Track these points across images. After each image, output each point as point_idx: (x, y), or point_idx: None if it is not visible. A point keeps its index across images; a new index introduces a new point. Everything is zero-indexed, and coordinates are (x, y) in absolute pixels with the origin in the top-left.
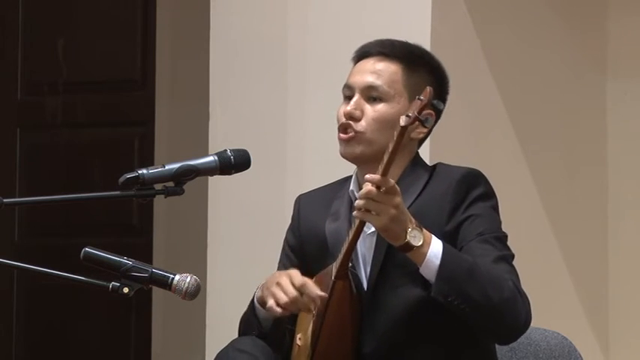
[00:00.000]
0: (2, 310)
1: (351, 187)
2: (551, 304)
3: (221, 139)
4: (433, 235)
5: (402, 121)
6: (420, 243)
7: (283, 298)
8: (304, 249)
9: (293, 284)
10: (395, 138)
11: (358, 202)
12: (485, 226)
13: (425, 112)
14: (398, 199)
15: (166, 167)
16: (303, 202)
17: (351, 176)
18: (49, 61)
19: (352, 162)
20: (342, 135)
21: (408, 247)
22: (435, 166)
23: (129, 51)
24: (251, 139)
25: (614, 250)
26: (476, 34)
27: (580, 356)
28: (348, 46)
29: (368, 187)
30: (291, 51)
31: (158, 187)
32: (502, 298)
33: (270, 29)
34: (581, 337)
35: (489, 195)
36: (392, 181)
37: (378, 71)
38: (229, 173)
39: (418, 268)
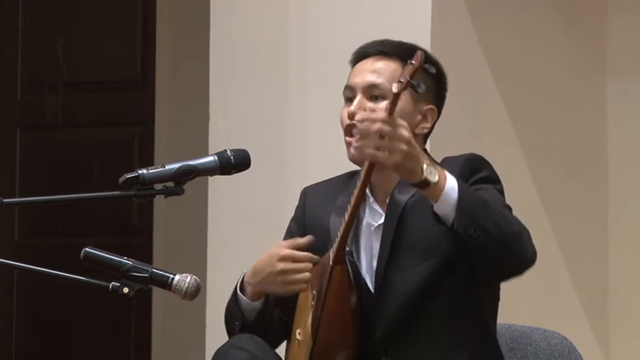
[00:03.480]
0: (2, 310)
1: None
2: (551, 304)
3: (221, 139)
4: (446, 171)
5: (395, 87)
6: (436, 179)
7: (303, 278)
8: None
9: (294, 259)
10: (389, 106)
11: (368, 142)
12: (490, 198)
13: (418, 81)
14: (408, 135)
15: (166, 167)
16: (309, 194)
17: (357, 171)
18: (49, 61)
19: (360, 166)
20: (348, 138)
21: (426, 183)
22: (442, 161)
23: (129, 51)
24: (251, 139)
25: (614, 250)
26: (476, 34)
27: (580, 356)
28: (348, 46)
29: (377, 124)
30: (291, 51)
31: (158, 187)
32: (513, 231)
33: (270, 29)
34: (581, 337)
35: (494, 179)
36: (400, 120)
37: (378, 70)
38: (229, 173)
39: (424, 250)
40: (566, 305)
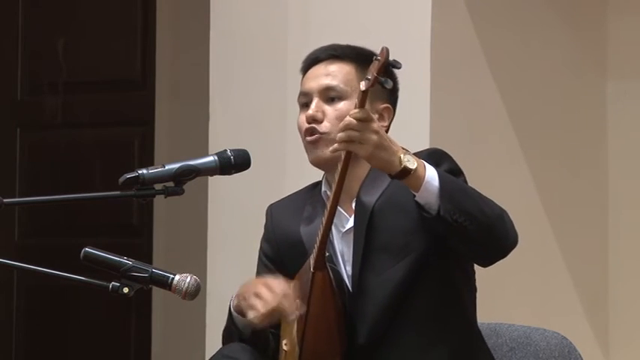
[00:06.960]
0: (2, 310)
1: (323, 189)
2: (551, 304)
3: (221, 139)
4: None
5: (362, 85)
6: (415, 166)
7: (262, 309)
8: (281, 256)
9: (272, 292)
10: (358, 102)
11: (340, 135)
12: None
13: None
14: (375, 125)
15: (166, 167)
16: (274, 211)
17: (319, 182)
18: (49, 61)
19: (321, 167)
20: (308, 138)
21: (406, 171)
22: None
23: (129, 51)
24: (251, 139)
25: (614, 250)
26: (476, 34)
27: (580, 356)
28: None
29: (347, 118)
30: (291, 51)
31: (158, 187)
32: (494, 213)
33: (270, 29)
34: (581, 337)
35: (457, 171)
36: (367, 110)
37: (332, 72)
38: (229, 173)
39: (399, 249)
40: (566, 305)
